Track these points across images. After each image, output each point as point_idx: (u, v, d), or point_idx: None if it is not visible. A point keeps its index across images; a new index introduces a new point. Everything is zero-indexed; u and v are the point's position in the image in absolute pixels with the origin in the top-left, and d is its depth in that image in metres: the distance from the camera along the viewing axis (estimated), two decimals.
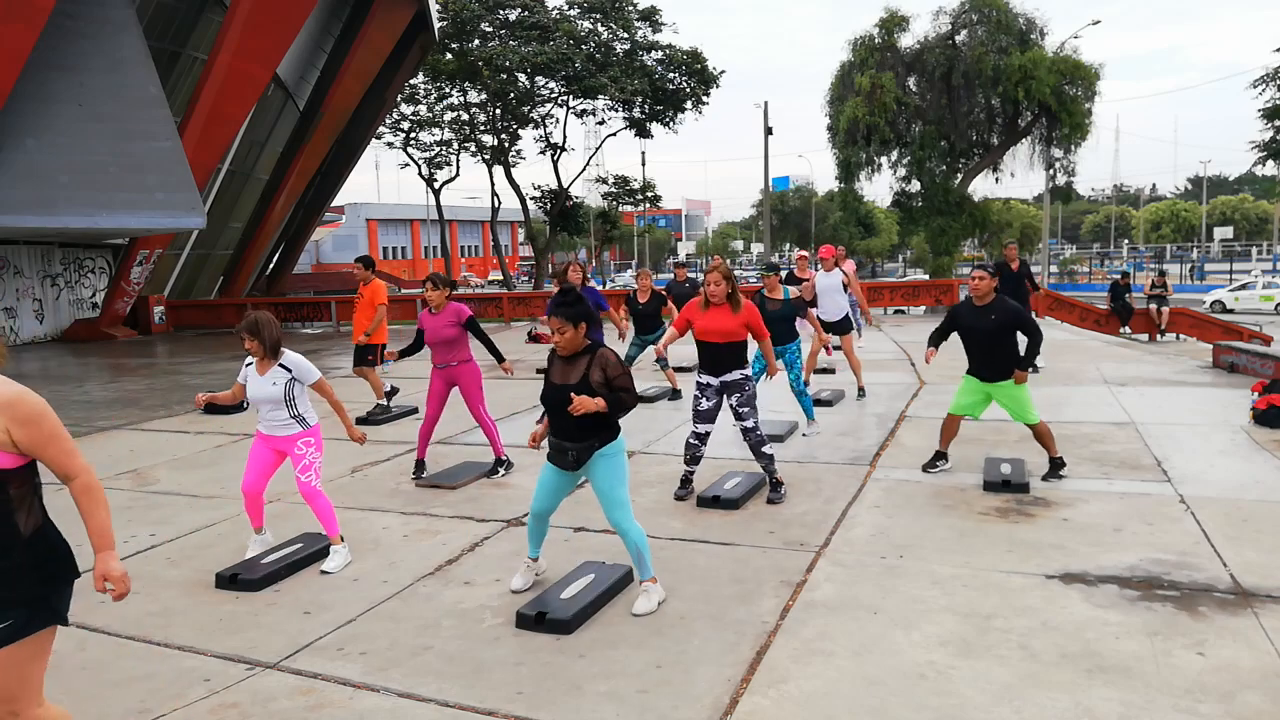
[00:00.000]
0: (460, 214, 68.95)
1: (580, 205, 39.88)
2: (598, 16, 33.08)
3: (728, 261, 6.93)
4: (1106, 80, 59.97)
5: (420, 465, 7.03)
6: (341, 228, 70.02)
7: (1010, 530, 5.28)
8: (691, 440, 6.05)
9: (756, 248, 69.73)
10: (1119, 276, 21.01)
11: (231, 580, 4.76)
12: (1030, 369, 6.31)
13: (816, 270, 10.17)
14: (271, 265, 30.16)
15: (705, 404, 5.95)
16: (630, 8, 33.18)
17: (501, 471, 6.90)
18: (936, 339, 6.53)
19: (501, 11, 32.56)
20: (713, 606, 4.31)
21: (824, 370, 11.49)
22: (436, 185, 39.50)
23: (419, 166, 38.27)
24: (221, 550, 5.35)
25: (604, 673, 3.69)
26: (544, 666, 3.76)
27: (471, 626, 4.20)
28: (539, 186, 37.49)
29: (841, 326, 9.44)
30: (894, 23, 28.04)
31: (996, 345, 6.10)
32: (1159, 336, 19.45)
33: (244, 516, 6.07)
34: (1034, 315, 9.85)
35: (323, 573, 4.92)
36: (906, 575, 4.62)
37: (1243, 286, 36.25)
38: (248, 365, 5.05)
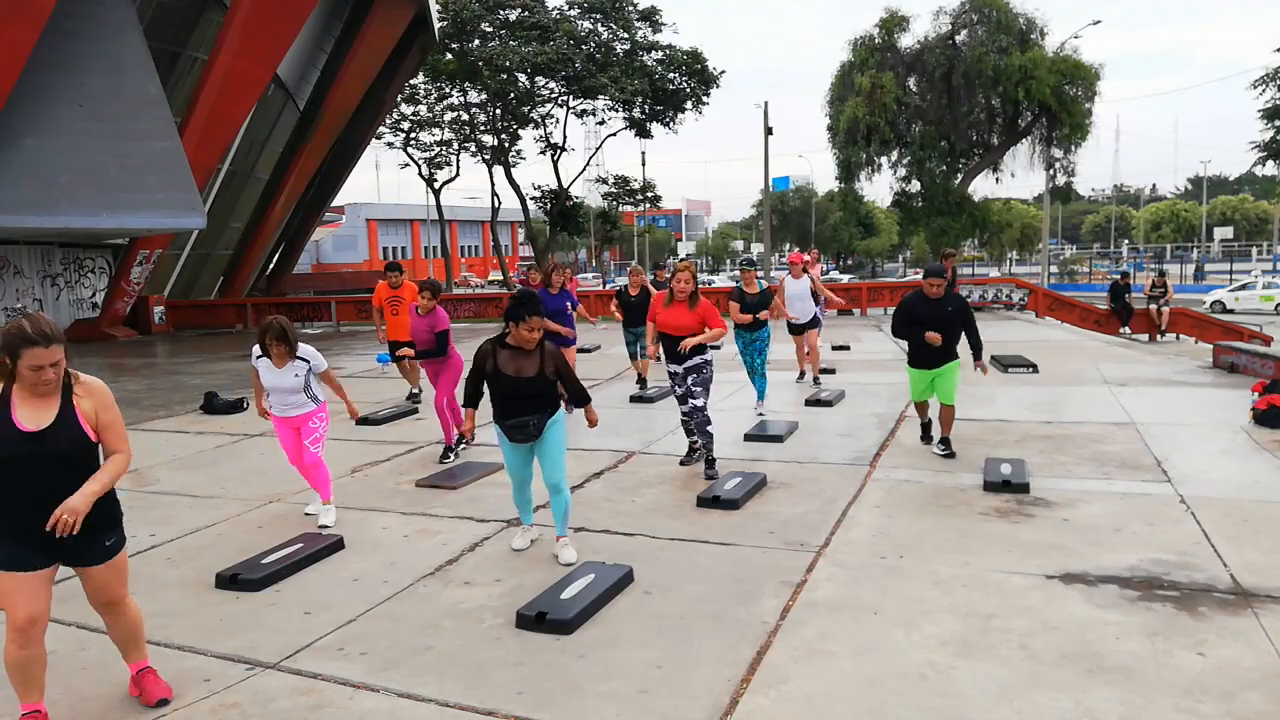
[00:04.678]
0: (460, 214, 68.88)
1: (580, 205, 39.93)
2: (598, 16, 33.12)
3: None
4: (1106, 80, 59.78)
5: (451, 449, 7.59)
6: (341, 228, 69.95)
7: (1010, 530, 5.29)
8: (683, 418, 7.01)
9: (757, 248, 69.72)
10: (1119, 276, 21.00)
11: (231, 580, 4.76)
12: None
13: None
14: (271, 265, 30.14)
15: (679, 390, 6.83)
16: (630, 8, 33.21)
17: (454, 455, 7.51)
18: (904, 331, 7.11)
19: (501, 11, 32.58)
20: (713, 606, 4.31)
21: (825, 370, 11.49)
22: (436, 185, 39.53)
23: (419, 166, 38.31)
24: (221, 550, 5.34)
25: (604, 673, 3.69)
26: (544, 666, 3.76)
27: (471, 626, 4.20)
28: (539, 186, 37.54)
29: (808, 326, 10.56)
30: (894, 23, 28.06)
31: (951, 332, 6.90)
32: (1159, 337, 19.45)
33: (244, 517, 6.11)
34: None
35: (321, 526, 5.68)
36: (907, 575, 4.62)
37: (1243, 287, 36.18)
38: (259, 359, 5.66)
